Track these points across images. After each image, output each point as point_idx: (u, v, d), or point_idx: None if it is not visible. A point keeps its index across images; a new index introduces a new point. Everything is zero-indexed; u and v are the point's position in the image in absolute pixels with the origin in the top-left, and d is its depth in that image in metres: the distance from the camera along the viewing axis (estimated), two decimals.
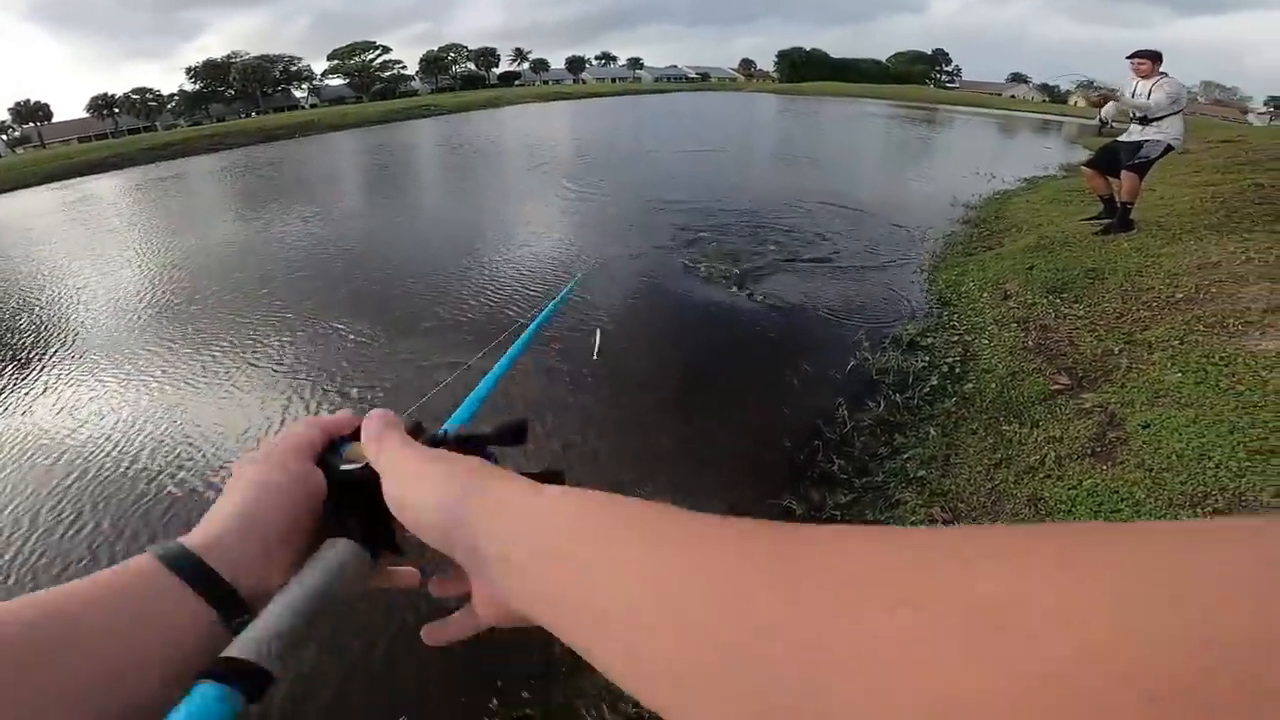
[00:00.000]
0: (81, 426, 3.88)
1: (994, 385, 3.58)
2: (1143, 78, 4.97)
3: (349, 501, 0.35)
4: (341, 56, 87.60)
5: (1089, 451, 2.77)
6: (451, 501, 0.28)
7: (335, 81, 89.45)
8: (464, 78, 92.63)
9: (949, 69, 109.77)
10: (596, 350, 4.27)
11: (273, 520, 0.33)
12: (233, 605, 0.30)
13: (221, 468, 3.32)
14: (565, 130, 23.10)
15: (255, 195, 12.75)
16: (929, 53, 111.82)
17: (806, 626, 0.16)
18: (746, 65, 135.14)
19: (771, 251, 6.33)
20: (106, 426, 3.84)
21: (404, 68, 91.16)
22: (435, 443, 0.36)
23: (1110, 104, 5.31)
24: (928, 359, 4.05)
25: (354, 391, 3.98)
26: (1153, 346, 3.34)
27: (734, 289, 5.37)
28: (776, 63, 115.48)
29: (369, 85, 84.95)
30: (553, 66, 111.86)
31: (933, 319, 4.64)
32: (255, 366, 4.43)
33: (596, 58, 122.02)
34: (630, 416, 3.59)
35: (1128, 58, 5.09)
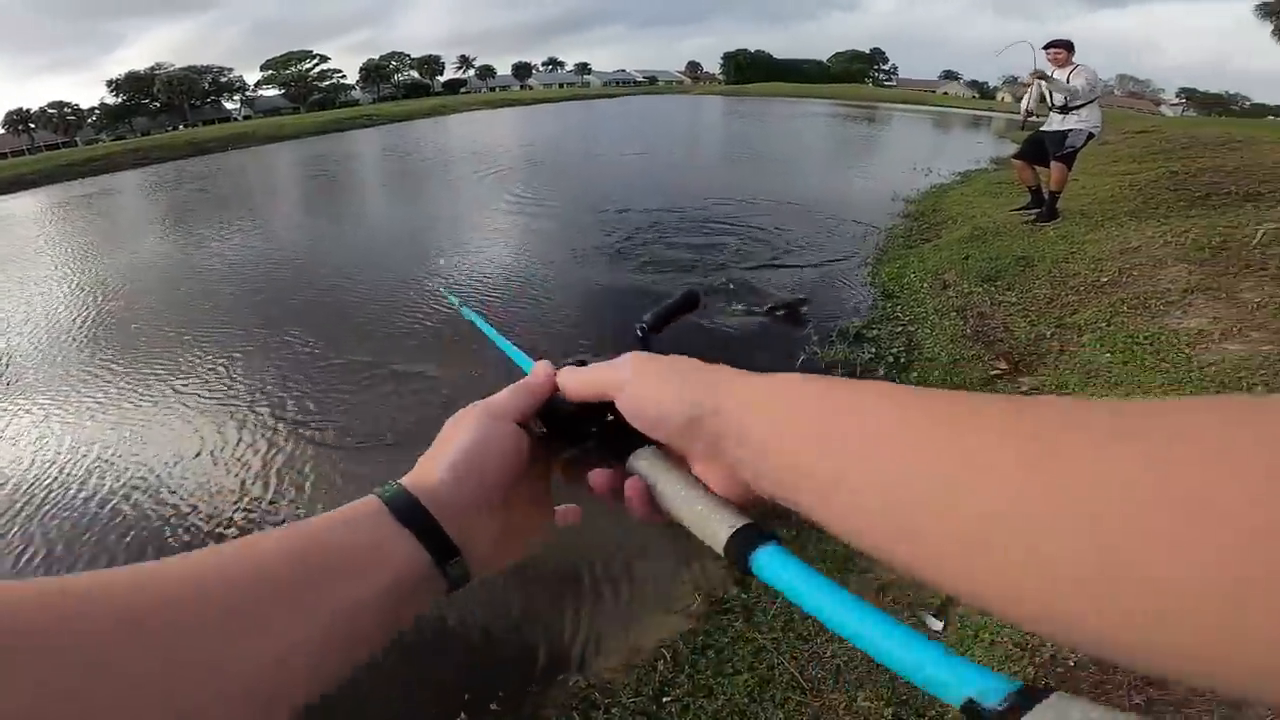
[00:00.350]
0: (18, 455, 3.59)
1: (938, 373, 3.66)
2: (1059, 67, 5.12)
3: (575, 434, 0.39)
4: (276, 67, 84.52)
5: None
6: (700, 396, 0.30)
7: (270, 92, 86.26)
8: (407, 86, 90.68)
9: (886, 67, 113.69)
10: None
11: (490, 469, 0.35)
12: (447, 551, 0.32)
13: (176, 492, 3.12)
14: (514, 136, 22.82)
15: (190, 210, 12.12)
16: (867, 52, 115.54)
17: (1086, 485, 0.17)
18: (693, 68, 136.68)
19: (720, 254, 6.35)
20: (49, 453, 3.57)
21: (343, 77, 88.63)
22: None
23: (1028, 95, 5.57)
24: (874, 350, 4.11)
25: (310, 404, 3.80)
26: (1082, 329, 3.47)
27: (678, 287, 5.35)
28: (722, 65, 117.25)
29: (306, 95, 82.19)
30: (499, 73, 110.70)
31: (878, 311, 4.72)
32: (203, 384, 4.20)
33: (544, 63, 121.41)
34: None
35: (1044, 48, 5.21)
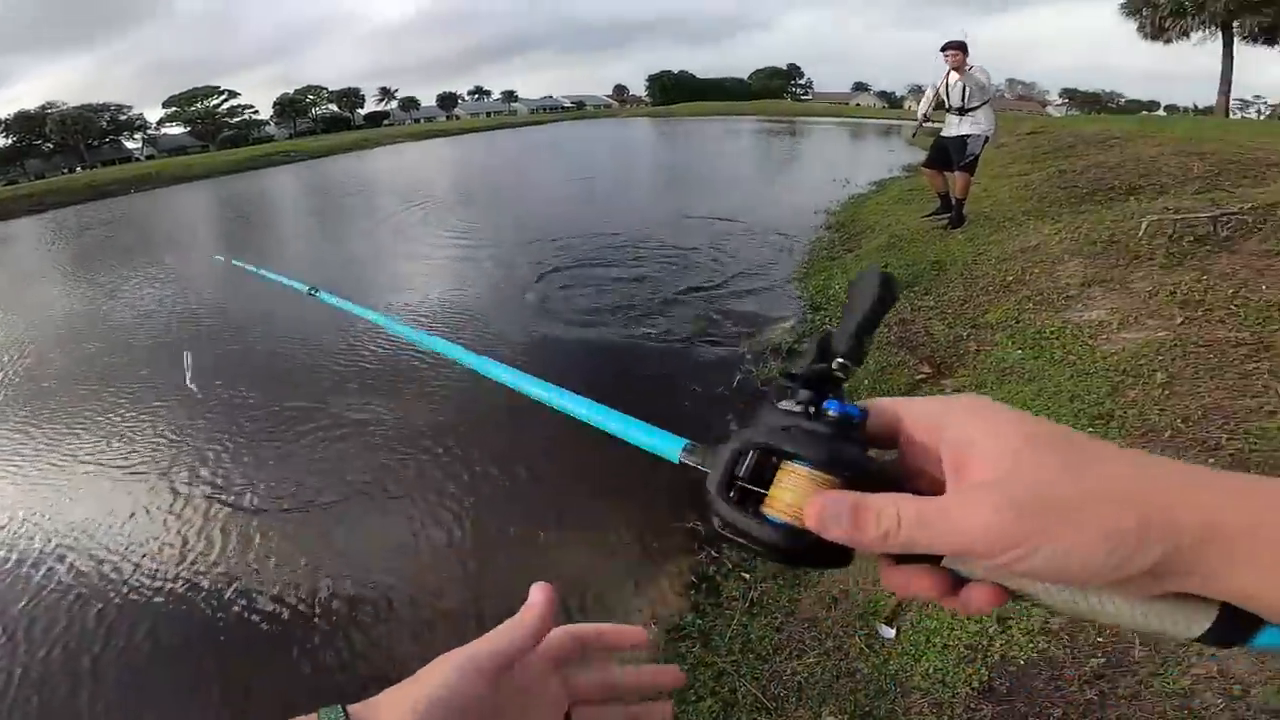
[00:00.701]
0: None
1: (867, 381, 3.71)
2: (955, 69, 5.21)
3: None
4: (180, 103, 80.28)
5: None
6: (1157, 521, 0.22)
7: (175, 130, 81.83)
8: (327, 120, 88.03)
9: (802, 82, 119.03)
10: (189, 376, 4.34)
11: None
12: None
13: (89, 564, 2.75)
14: (442, 168, 22.47)
15: (95, 258, 11.23)
16: (784, 68, 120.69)
17: None
18: (620, 91, 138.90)
19: (654, 279, 6.34)
20: None
21: (255, 112, 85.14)
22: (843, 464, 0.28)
23: (925, 100, 5.82)
24: None
25: (237, 463, 3.51)
26: (994, 328, 3.60)
27: (614, 324, 5.29)
28: (648, 86, 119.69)
29: (216, 133, 78.41)
30: (424, 104, 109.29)
31: (807, 324, 4.79)
32: (125, 444, 3.86)
33: (470, 92, 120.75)
34: (524, 448, 3.35)
35: (941, 50, 5.27)
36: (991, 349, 3.41)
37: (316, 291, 1.00)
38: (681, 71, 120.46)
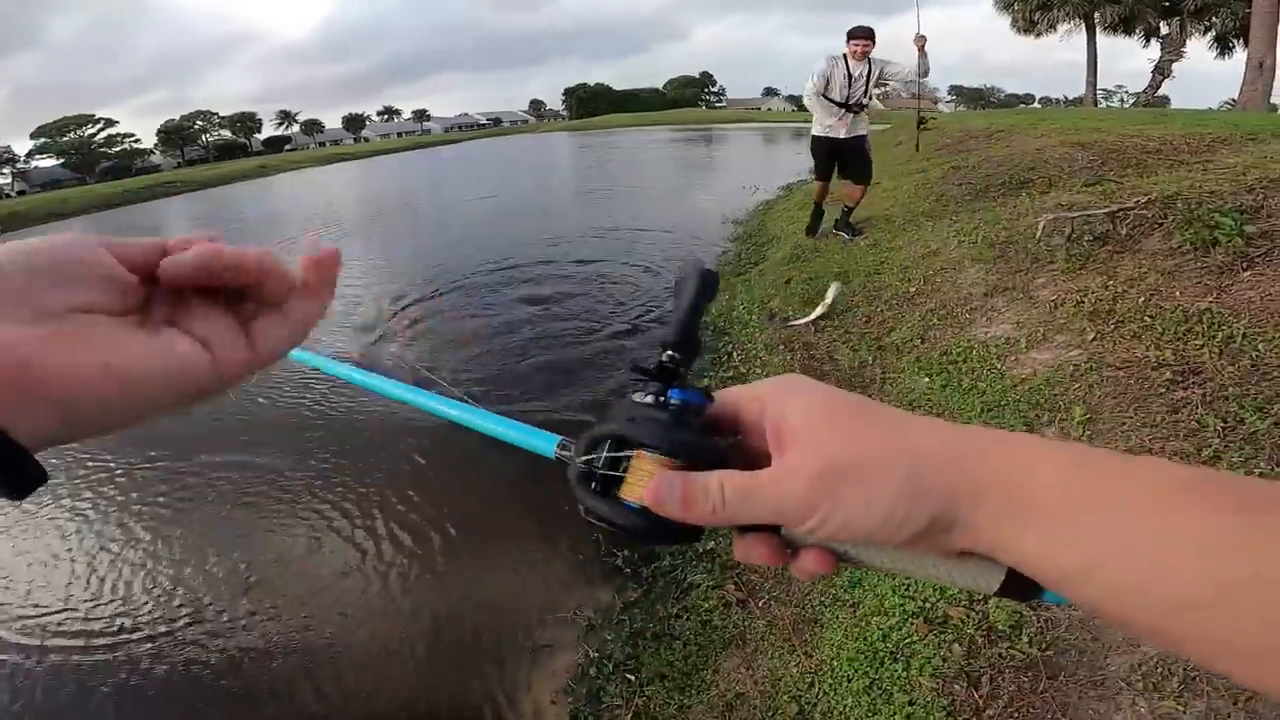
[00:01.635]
0: None
1: None
2: (859, 59, 4.58)
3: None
4: (50, 134, 73.02)
5: None
6: (944, 483, 0.24)
7: (47, 162, 74.48)
8: (220, 147, 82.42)
9: (715, 89, 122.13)
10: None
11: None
12: None
13: None
14: (348, 193, 21.15)
15: None
16: (698, 76, 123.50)
17: None
18: (537, 106, 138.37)
19: (555, 305, 5.77)
20: None
21: (138, 141, 78.67)
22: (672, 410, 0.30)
23: (815, 82, 4.79)
24: None
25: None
26: (900, 350, 3.24)
27: (481, 367, 4.68)
28: (564, 100, 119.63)
29: (94, 164, 71.95)
30: (330, 126, 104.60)
31: (710, 353, 4.34)
32: None
33: (379, 113, 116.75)
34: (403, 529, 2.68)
35: (853, 36, 4.57)
36: (898, 375, 3.04)
37: None
38: (598, 84, 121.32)
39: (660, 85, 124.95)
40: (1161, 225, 2.70)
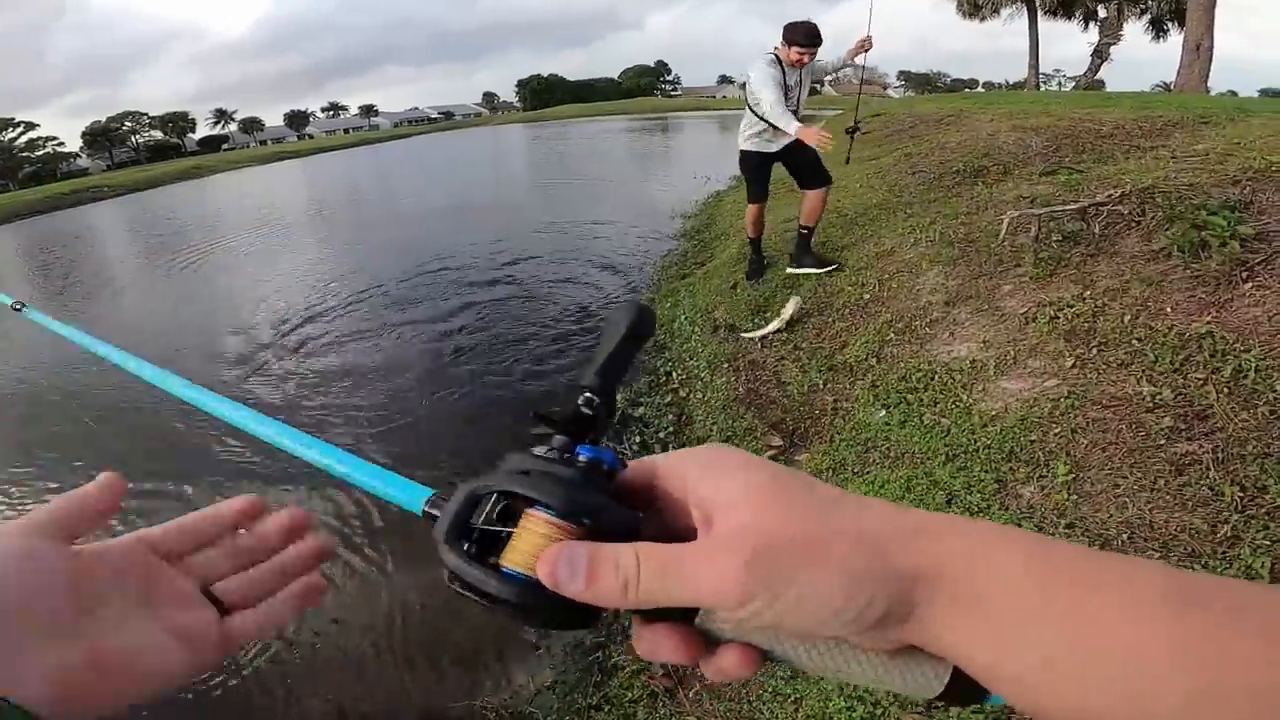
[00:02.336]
0: None
1: None
2: (796, 65, 3.61)
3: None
4: None
5: None
6: (894, 572, 0.22)
7: None
8: (151, 149, 78.08)
9: (671, 78, 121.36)
10: None
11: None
12: None
13: None
14: (289, 193, 20.02)
15: None
16: (653, 65, 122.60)
17: None
18: (490, 99, 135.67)
19: (481, 321, 5.24)
20: None
21: (61, 144, 73.90)
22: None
23: (774, 94, 3.56)
24: (640, 436, 3.25)
25: None
26: (854, 370, 2.86)
27: (397, 387, 4.15)
28: (518, 92, 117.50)
29: (15, 169, 67.45)
30: (271, 124, 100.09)
31: (647, 373, 3.90)
32: None
33: (323, 109, 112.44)
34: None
35: (795, 45, 3.51)
36: (851, 404, 2.65)
37: (23, 307, 0.94)
38: (552, 75, 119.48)
39: (615, 75, 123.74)
40: (1139, 224, 2.36)
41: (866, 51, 3.87)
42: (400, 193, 16.30)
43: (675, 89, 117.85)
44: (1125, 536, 1.43)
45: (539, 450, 0.27)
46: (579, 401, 0.28)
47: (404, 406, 3.94)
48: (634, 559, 0.23)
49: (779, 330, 3.48)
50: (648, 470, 0.27)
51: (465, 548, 0.25)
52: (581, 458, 0.26)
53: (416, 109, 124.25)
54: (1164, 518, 1.40)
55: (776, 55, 3.63)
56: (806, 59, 3.58)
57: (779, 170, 4.04)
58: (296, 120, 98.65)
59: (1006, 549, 0.21)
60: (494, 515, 0.25)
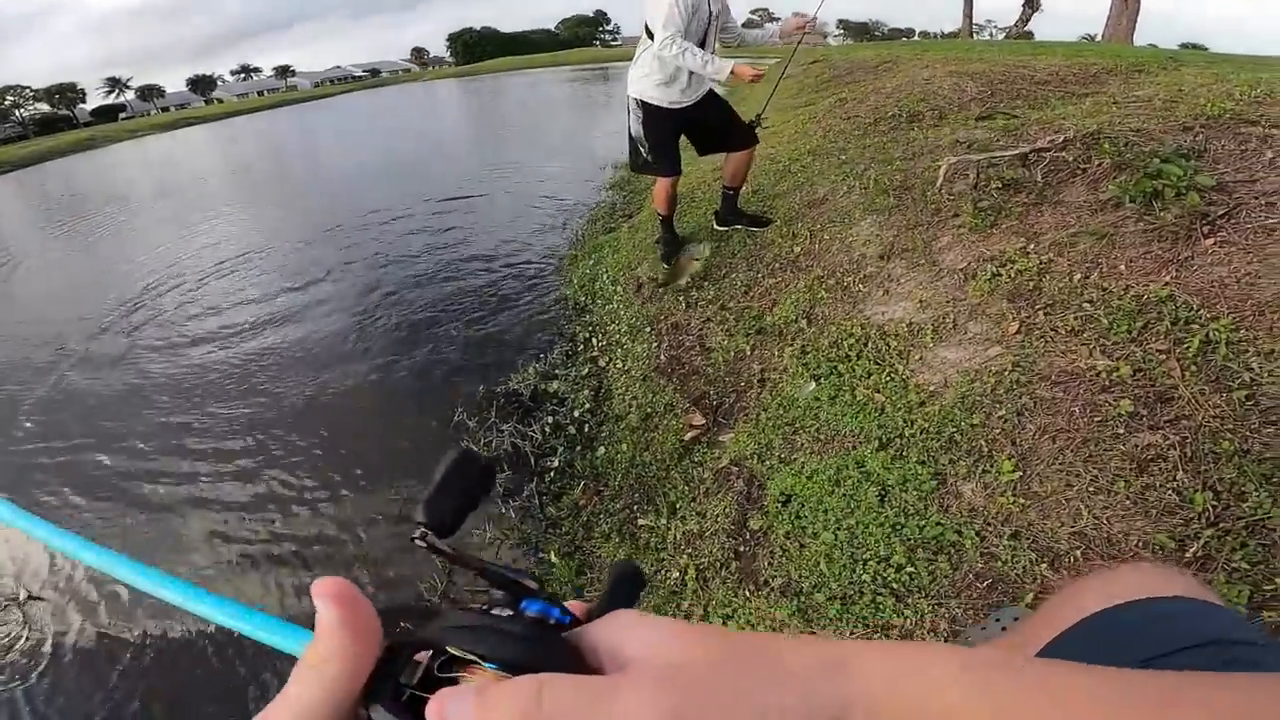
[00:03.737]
0: None
1: (626, 447, 2.54)
2: None
3: None
4: None
5: (731, 558, 1.81)
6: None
7: None
8: (38, 122, 70.45)
9: (610, 28, 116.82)
10: None
11: None
12: None
13: None
14: (190, 161, 18.19)
15: None
16: (591, 15, 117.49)
17: None
18: (419, 54, 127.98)
19: (391, 288, 4.70)
20: None
21: None
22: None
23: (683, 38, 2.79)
24: (554, 417, 2.90)
25: None
26: (783, 334, 2.56)
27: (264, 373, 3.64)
28: (449, 47, 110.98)
29: None
30: (174, 90, 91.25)
31: (565, 341, 3.53)
32: None
33: (232, 72, 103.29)
34: None
35: None
36: (779, 375, 2.35)
37: None
38: (485, 27, 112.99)
39: (553, 26, 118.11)
40: (1085, 171, 2.10)
41: (805, 33, 3.15)
42: (318, 152, 14.98)
43: (615, 38, 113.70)
44: (1078, 552, 1.18)
45: (476, 605, 0.26)
46: (414, 536, 0.25)
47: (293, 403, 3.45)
48: (538, 689, 0.20)
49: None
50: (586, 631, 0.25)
51: (401, 699, 0.23)
52: (529, 613, 0.25)
53: (339, 68, 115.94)
54: (1123, 529, 1.15)
55: None
56: None
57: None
58: (202, 85, 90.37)
59: (935, 671, 0.21)
60: (434, 671, 0.24)
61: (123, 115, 75.16)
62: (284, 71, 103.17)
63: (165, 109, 78.15)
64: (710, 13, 2.82)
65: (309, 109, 39.99)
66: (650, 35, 2.83)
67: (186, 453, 3.11)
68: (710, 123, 3.13)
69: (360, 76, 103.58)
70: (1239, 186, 1.83)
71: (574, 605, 0.28)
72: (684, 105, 3.00)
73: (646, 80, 2.95)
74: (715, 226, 3.67)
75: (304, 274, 5.33)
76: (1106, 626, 0.46)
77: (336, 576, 0.24)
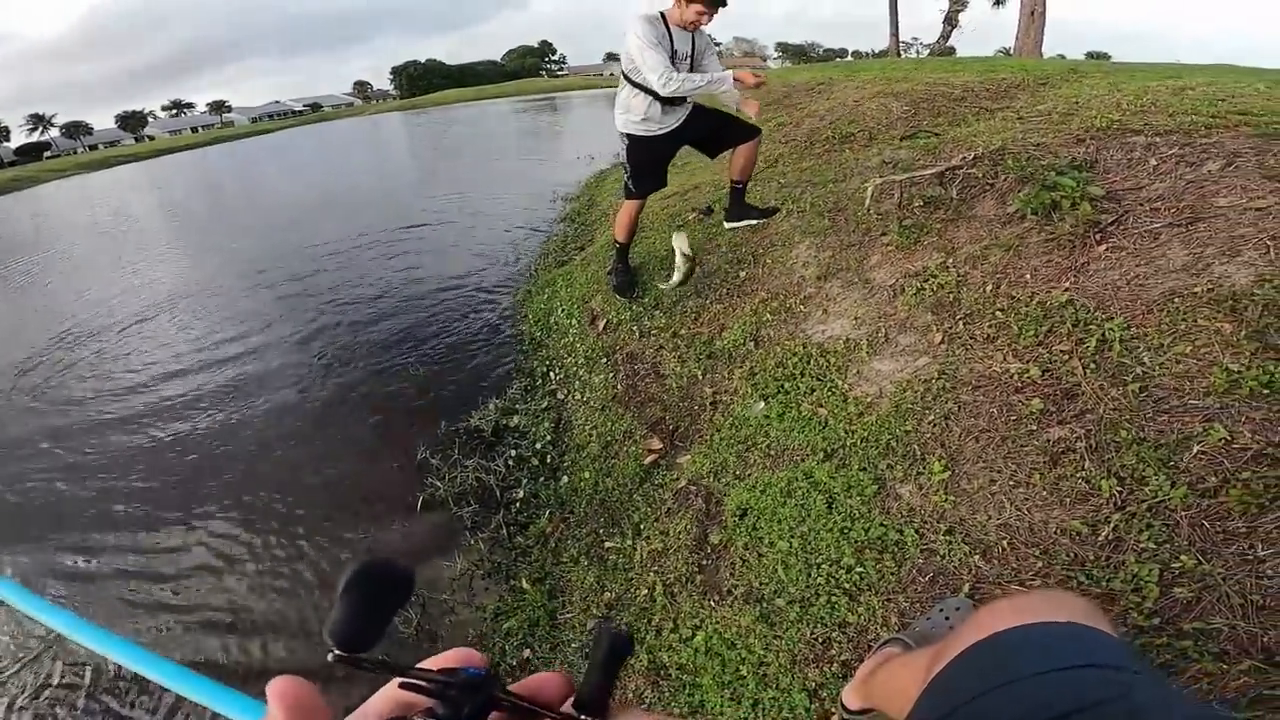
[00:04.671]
0: None
1: (588, 475, 2.58)
2: (696, 28, 2.91)
3: None
4: None
5: (695, 571, 1.86)
6: None
7: None
8: None
9: (556, 58, 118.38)
10: None
11: None
12: None
13: None
14: (114, 204, 17.38)
15: None
16: (537, 46, 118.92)
17: None
18: (363, 87, 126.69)
19: (339, 340, 4.63)
20: None
21: None
22: None
23: (660, 62, 2.83)
24: (516, 450, 2.92)
25: None
26: (732, 357, 2.66)
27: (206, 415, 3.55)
28: (393, 80, 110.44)
29: None
30: (103, 127, 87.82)
31: (523, 376, 3.56)
32: None
33: (164, 108, 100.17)
34: None
35: (703, 2, 2.77)
36: (730, 397, 2.45)
37: None
38: (430, 60, 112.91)
39: (499, 57, 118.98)
40: (994, 186, 2.29)
41: (752, 88, 3.08)
42: (258, 189, 14.61)
43: (561, 68, 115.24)
44: (1005, 543, 1.28)
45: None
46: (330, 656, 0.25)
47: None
48: None
49: (689, 265, 3.19)
50: None
51: None
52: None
53: (277, 102, 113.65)
54: (1042, 518, 1.26)
55: (661, 13, 2.90)
56: (706, 20, 2.83)
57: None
58: (132, 121, 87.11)
59: None
60: None
61: (47, 154, 71.84)
62: (219, 107, 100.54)
63: (93, 147, 75.01)
64: (681, 54, 2.91)
65: (247, 145, 39.06)
66: (631, 82, 2.96)
67: (118, 522, 2.99)
68: (707, 130, 3.23)
69: (300, 111, 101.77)
70: (1127, 194, 2.03)
71: (555, 679, 0.30)
72: (671, 129, 3.10)
73: (626, 118, 3.10)
74: (726, 225, 3.63)
75: (244, 320, 5.20)
76: (1005, 643, 0.52)
77: (291, 677, 0.25)
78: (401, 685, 0.26)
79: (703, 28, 2.92)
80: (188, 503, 3.00)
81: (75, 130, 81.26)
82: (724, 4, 2.84)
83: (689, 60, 2.98)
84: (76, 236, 11.86)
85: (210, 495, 3.03)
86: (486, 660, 0.28)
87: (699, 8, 2.75)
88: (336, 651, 0.25)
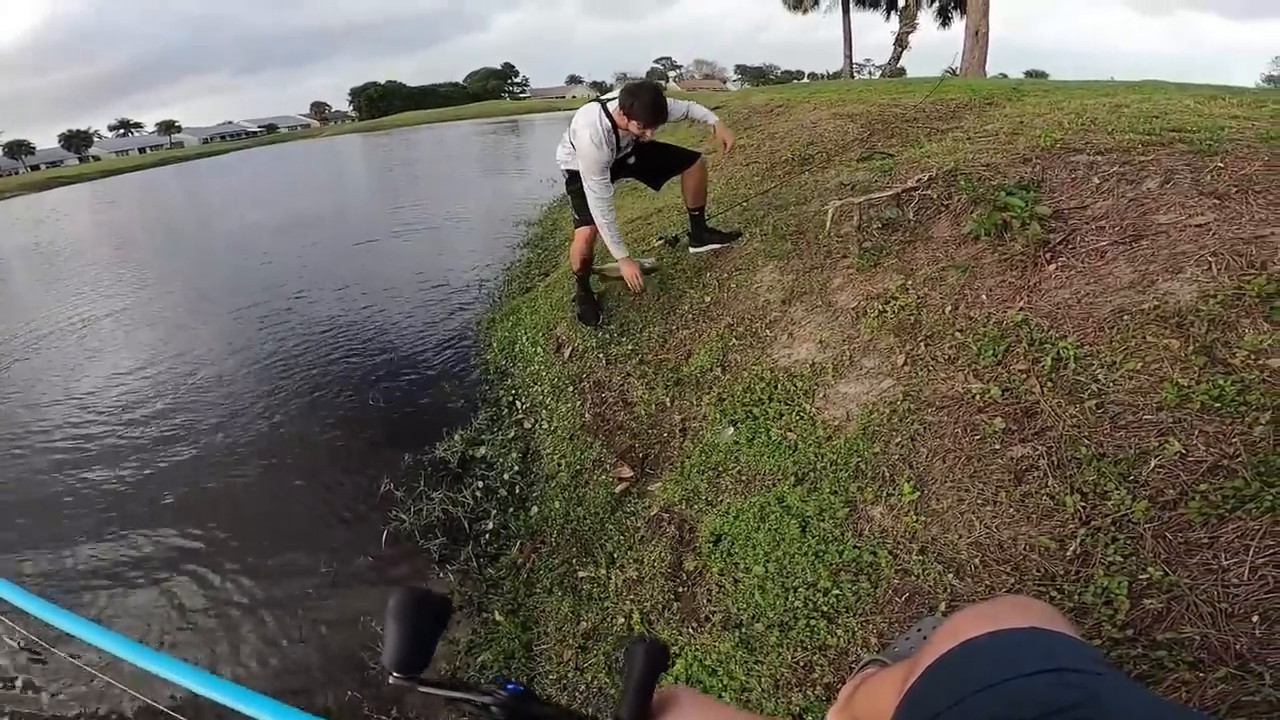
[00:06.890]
0: None
1: (559, 504, 2.52)
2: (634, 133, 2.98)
3: None
4: None
5: (672, 599, 1.83)
6: None
7: None
8: None
9: (518, 80, 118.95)
10: None
11: None
12: None
13: None
14: (56, 229, 16.58)
15: None
16: (500, 68, 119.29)
17: None
18: (320, 108, 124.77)
19: (310, 369, 4.47)
20: None
21: None
22: None
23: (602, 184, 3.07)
24: (484, 481, 2.85)
25: None
26: (699, 383, 2.66)
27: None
28: (352, 101, 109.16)
29: None
30: (45, 146, 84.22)
31: (488, 407, 3.48)
32: None
33: (111, 128, 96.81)
34: None
35: (635, 119, 2.83)
36: (700, 423, 2.43)
37: None
38: (390, 81, 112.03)
39: (460, 79, 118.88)
40: (948, 206, 2.37)
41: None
42: (209, 213, 14.17)
43: (524, 91, 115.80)
44: (977, 560, 1.29)
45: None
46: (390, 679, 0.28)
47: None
48: None
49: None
50: None
51: None
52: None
53: (230, 123, 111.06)
54: (1011, 535, 1.28)
55: (612, 122, 2.94)
56: (648, 135, 2.93)
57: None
58: (76, 141, 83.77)
59: None
60: None
61: None
62: (169, 127, 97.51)
63: (35, 167, 71.81)
64: (630, 145, 3.09)
65: (197, 166, 37.99)
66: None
67: (85, 570, 2.80)
68: (647, 159, 3.29)
69: (255, 132, 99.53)
70: (1073, 213, 2.11)
71: None
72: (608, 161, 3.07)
73: (569, 157, 3.19)
74: (691, 251, 3.66)
75: (198, 352, 4.99)
76: (973, 650, 0.54)
77: None
78: (447, 702, 0.28)
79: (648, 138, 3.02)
80: (141, 545, 2.82)
81: (17, 149, 77.52)
82: (663, 121, 2.92)
83: (631, 147, 3.13)
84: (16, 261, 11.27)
85: (162, 533, 2.86)
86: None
87: (639, 125, 2.85)
88: (395, 675, 0.28)
